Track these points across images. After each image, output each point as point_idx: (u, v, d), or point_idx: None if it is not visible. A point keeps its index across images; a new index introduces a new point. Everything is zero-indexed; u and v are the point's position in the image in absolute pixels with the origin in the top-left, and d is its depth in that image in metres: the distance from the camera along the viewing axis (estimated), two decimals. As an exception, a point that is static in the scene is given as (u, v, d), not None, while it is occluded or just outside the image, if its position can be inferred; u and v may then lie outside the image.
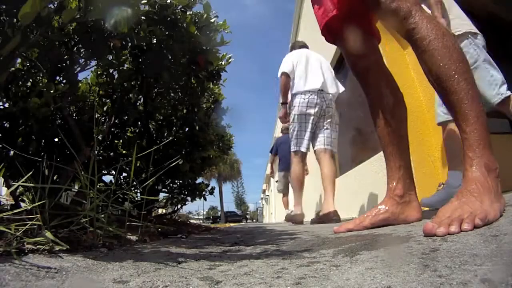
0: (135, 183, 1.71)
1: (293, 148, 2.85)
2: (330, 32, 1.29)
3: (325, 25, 1.27)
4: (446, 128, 2.01)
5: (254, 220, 38.39)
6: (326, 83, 2.82)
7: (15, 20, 0.87)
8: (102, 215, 0.94)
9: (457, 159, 1.91)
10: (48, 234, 0.72)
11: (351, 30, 1.22)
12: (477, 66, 1.92)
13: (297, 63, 2.91)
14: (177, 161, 1.61)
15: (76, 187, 1.44)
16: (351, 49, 1.24)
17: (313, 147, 2.83)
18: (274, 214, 17.00)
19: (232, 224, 7.59)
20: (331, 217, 2.47)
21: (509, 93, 1.86)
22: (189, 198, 2.50)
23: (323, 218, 2.55)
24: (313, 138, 2.82)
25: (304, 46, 3.24)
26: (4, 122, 1.26)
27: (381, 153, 1.25)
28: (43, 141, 1.40)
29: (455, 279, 0.40)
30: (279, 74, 2.98)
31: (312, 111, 2.75)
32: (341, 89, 3.02)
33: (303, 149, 2.79)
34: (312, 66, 2.88)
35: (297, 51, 3.07)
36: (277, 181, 4.92)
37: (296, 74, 2.87)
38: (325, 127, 2.80)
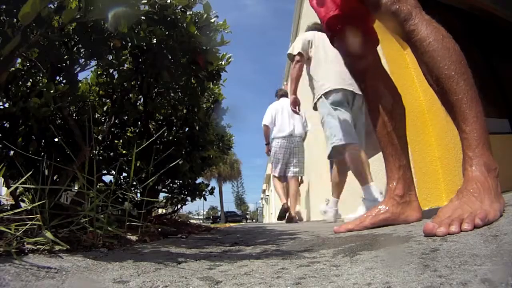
0: (135, 183, 1.71)
1: (274, 174, 4.29)
2: (329, 31, 1.29)
3: (326, 24, 1.27)
4: (344, 152, 2.22)
5: (254, 220, 38.34)
6: (294, 129, 4.10)
7: (15, 20, 0.87)
8: (102, 215, 0.94)
9: (362, 175, 2.16)
10: (48, 234, 0.73)
11: (350, 30, 1.22)
12: (323, 122, 2.30)
13: (275, 115, 4.23)
14: (177, 162, 1.61)
15: (76, 187, 1.44)
16: (349, 50, 1.25)
17: (286, 174, 4.19)
18: (274, 214, 17.01)
19: (232, 224, 7.61)
20: (294, 220, 3.91)
21: (339, 142, 2.17)
22: (189, 198, 2.50)
23: (289, 219, 3.93)
24: (285, 168, 4.17)
25: (284, 95, 4.47)
26: (4, 122, 1.26)
27: (380, 153, 1.25)
28: (43, 141, 1.40)
29: (455, 279, 0.40)
30: (262, 124, 4.36)
31: (283, 150, 4.10)
32: (308, 128, 4.39)
33: (278, 173, 4.18)
34: (285, 116, 4.15)
35: (275, 104, 4.38)
36: None
37: (274, 123, 4.22)
38: (293, 161, 4.13)
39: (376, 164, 2.93)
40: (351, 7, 1.18)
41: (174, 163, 1.34)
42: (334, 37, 1.30)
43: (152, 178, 1.12)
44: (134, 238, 1.17)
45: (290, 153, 4.11)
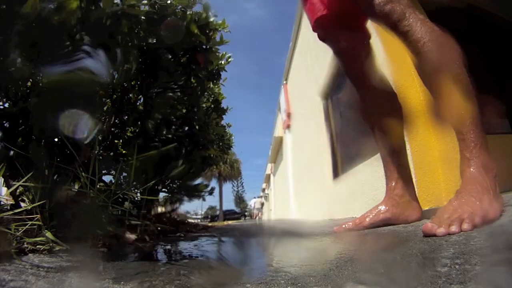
0: (135, 183, 1.71)
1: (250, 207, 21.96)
2: (320, 29, 1.28)
3: (315, 23, 1.25)
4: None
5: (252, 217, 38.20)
6: (258, 207, 20.09)
7: (15, 20, 0.87)
8: (102, 215, 0.94)
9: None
10: (48, 234, 0.73)
11: (340, 28, 1.20)
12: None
13: (253, 203, 21.54)
14: (177, 162, 1.61)
15: (76, 187, 1.43)
16: (341, 48, 1.23)
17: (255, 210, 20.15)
18: (273, 210, 17.23)
19: (230, 222, 7.66)
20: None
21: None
22: (186, 198, 2.50)
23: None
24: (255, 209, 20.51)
25: (259, 197, 20.83)
26: (4, 122, 1.26)
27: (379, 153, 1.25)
28: (43, 141, 1.39)
29: (455, 279, 0.40)
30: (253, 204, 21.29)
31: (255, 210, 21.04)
32: (263, 201, 20.51)
33: (252, 210, 19.20)
34: (255, 203, 20.73)
35: (253, 200, 21.19)
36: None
37: (253, 205, 21.41)
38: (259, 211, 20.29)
39: (376, 164, 2.93)
40: (340, 6, 1.17)
41: (173, 164, 1.34)
42: (325, 37, 1.28)
43: (153, 181, 1.12)
44: (133, 237, 1.17)
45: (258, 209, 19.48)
